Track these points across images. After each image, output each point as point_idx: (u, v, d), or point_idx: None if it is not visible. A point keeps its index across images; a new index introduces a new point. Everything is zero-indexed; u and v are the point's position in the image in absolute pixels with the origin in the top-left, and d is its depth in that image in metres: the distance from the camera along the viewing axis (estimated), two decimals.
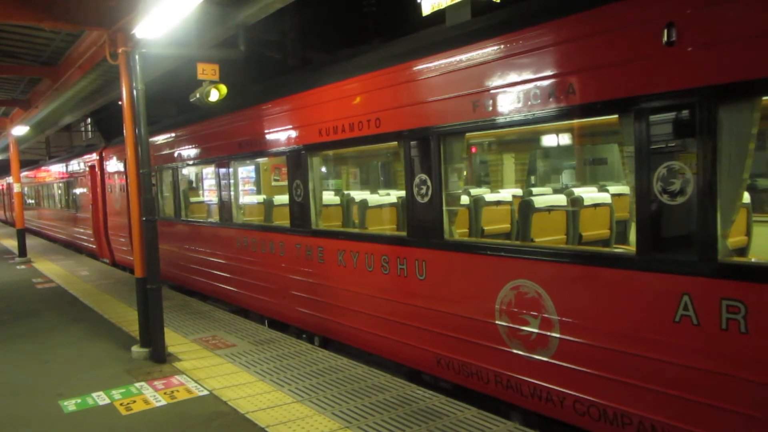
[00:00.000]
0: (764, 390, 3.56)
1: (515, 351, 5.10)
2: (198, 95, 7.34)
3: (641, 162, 4.11)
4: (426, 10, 7.21)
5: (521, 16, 5.02)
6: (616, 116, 4.35)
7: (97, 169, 16.24)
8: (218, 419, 5.23)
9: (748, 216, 5.98)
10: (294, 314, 8.19)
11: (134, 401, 5.74)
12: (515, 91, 4.92)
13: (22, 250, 17.16)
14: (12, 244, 21.61)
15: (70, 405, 5.71)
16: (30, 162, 31.24)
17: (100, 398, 5.85)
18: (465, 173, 8.54)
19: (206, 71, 7.18)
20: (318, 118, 7.21)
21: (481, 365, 5.45)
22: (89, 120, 36.97)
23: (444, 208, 5.75)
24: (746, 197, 5.76)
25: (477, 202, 6.92)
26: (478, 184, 10.75)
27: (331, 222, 8.64)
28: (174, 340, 7.85)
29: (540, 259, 4.90)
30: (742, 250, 5.99)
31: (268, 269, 8.66)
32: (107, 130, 28.60)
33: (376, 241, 6.73)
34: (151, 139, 11.08)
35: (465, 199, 6.77)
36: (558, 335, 4.73)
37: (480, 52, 5.23)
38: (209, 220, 10.80)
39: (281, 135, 7.97)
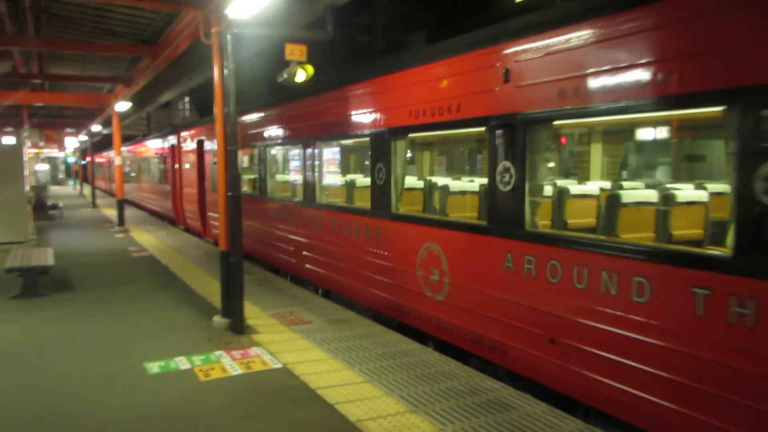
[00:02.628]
0: (546, 316, 5.26)
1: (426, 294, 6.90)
2: (285, 75, 7.51)
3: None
4: None
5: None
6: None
7: (174, 148, 18.29)
8: (289, 392, 5.40)
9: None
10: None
11: (212, 368, 6.02)
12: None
13: (121, 220, 18.27)
14: (111, 213, 23.07)
15: (154, 367, 6.06)
16: (130, 137, 33.09)
17: (182, 363, 6.18)
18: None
19: (294, 52, 7.33)
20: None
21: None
22: (187, 98, 38.72)
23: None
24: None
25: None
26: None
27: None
28: (253, 313, 8.15)
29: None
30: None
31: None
32: (203, 108, 29.93)
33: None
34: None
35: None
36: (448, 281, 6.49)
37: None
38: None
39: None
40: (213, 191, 14.29)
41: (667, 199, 6.06)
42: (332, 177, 11.39)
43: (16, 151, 14.35)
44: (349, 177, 10.82)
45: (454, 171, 13.08)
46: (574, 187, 6.96)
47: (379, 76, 7.73)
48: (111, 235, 17.12)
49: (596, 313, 4.86)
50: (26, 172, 14.87)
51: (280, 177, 12.23)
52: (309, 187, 9.89)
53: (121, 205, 18.31)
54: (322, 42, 7.72)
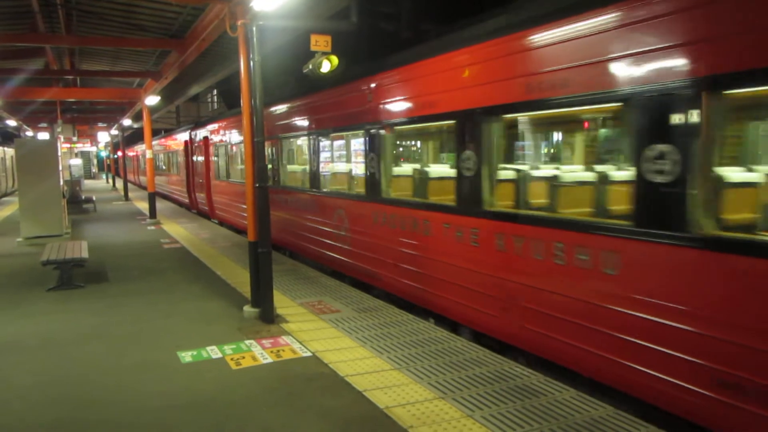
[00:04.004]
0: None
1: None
2: (311, 66, 7.57)
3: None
4: None
5: None
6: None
7: (187, 144, 21.76)
8: (318, 380, 5.49)
9: None
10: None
11: (243, 357, 6.14)
12: None
13: (153, 212, 18.62)
14: (143, 206, 23.53)
15: (187, 356, 6.20)
16: (157, 132, 33.62)
17: (213, 352, 6.31)
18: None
19: (319, 42, 7.38)
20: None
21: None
22: (215, 91, 39.15)
23: None
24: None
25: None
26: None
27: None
28: (283, 303, 8.27)
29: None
30: None
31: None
32: (231, 100, 30.30)
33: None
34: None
35: None
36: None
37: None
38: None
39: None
40: (216, 179, 17.96)
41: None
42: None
43: (51, 146, 14.70)
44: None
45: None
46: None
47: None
48: (143, 228, 17.46)
49: (519, 271, 5.96)
50: (60, 167, 15.21)
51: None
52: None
53: (153, 197, 18.65)
54: (349, 32, 7.74)
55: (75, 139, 34.29)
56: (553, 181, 6.53)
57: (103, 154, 59.21)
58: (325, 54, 7.49)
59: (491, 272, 6.38)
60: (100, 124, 33.97)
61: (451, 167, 7.25)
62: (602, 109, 5.74)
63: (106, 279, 10.27)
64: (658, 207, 4.53)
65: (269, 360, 6.06)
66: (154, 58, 13.56)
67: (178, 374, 5.76)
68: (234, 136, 15.54)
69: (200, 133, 19.61)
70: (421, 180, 8.41)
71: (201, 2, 7.72)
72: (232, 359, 6.09)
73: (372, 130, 8.55)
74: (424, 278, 7.59)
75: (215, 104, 42.99)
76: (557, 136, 8.38)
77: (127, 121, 26.88)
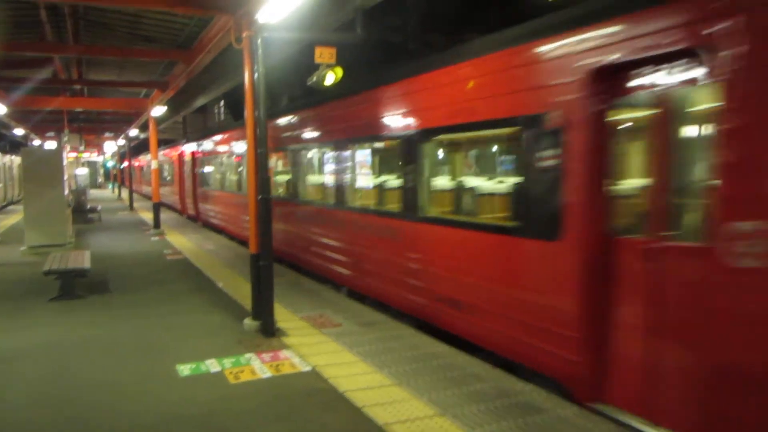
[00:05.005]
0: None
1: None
2: (315, 78, 7.59)
3: None
4: None
5: None
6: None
7: (180, 156, 25.43)
8: (317, 395, 5.44)
9: None
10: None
11: (242, 371, 6.11)
12: None
13: (157, 223, 18.65)
14: (148, 216, 23.56)
15: (186, 369, 6.17)
16: (167, 142, 33.81)
17: (212, 365, 6.28)
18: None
19: (323, 54, 7.40)
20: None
21: None
22: (222, 102, 39.37)
23: None
24: None
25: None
26: None
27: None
28: (284, 316, 8.24)
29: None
30: None
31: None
32: (237, 111, 30.53)
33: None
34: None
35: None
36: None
37: None
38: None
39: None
40: (200, 187, 21.22)
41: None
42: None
43: (57, 155, 14.78)
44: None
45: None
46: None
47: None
48: (147, 238, 17.49)
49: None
50: (65, 177, 15.28)
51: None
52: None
53: (157, 208, 18.70)
54: (356, 44, 7.77)
55: (82, 148, 34.45)
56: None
57: (110, 164, 59.57)
58: (329, 66, 7.51)
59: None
60: (107, 134, 34.20)
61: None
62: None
63: (108, 290, 10.27)
64: (408, 201, 7.68)
65: (268, 374, 6.02)
66: (161, 69, 13.66)
67: (175, 388, 5.72)
68: (212, 151, 18.97)
69: (188, 147, 23.40)
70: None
71: (206, 14, 7.77)
72: (231, 373, 6.06)
73: (331, 148, 10.04)
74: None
75: (222, 115, 43.22)
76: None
77: (133, 131, 27.03)
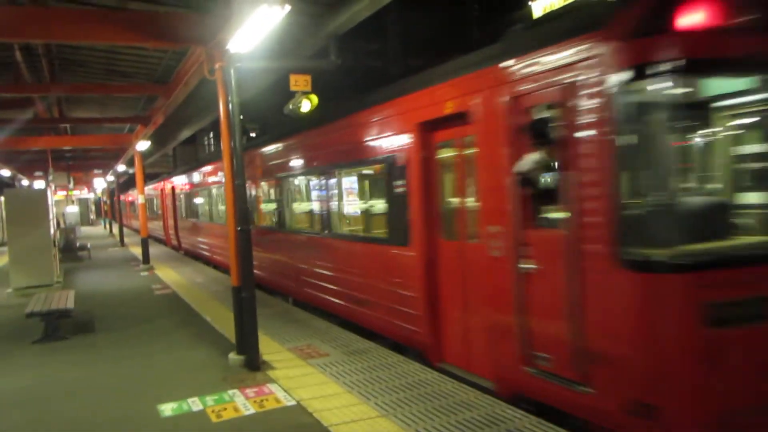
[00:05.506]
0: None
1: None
2: (291, 106, 7.52)
3: None
4: (537, 12, 7.01)
5: None
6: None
7: (162, 191, 27.44)
8: (301, 431, 5.27)
9: None
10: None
11: (225, 408, 5.92)
12: None
13: (146, 258, 18.45)
14: (138, 251, 23.33)
15: (167, 410, 5.99)
16: (155, 175, 33.73)
17: (195, 404, 6.09)
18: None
19: (299, 82, 7.35)
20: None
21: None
22: (211, 134, 39.38)
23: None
24: None
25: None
26: None
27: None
28: (270, 348, 8.06)
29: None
30: None
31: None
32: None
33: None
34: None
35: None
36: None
37: None
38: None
39: None
40: (180, 218, 23.47)
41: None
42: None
43: (41, 195, 14.65)
44: None
45: None
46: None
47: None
48: (136, 274, 17.30)
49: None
50: (51, 215, 15.13)
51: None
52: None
53: (146, 243, 18.52)
54: (336, 72, 7.72)
55: (71, 186, 34.31)
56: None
57: (105, 200, 59.43)
58: (305, 93, 7.45)
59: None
60: (96, 171, 34.10)
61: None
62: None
63: (93, 329, 10.07)
64: (324, 222, 9.84)
65: (252, 411, 5.84)
66: (142, 104, 13.61)
67: (156, 429, 5.54)
68: (186, 183, 21.48)
69: (168, 183, 26.06)
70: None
71: (178, 47, 7.74)
72: (213, 411, 5.87)
73: (273, 182, 12.12)
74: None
75: (212, 146, 43.17)
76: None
77: (121, 167, 26.92)
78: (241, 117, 7.07)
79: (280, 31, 6.76)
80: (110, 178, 32.72)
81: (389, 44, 14.77)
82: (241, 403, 6.06)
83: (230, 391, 6.41)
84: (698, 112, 5.08)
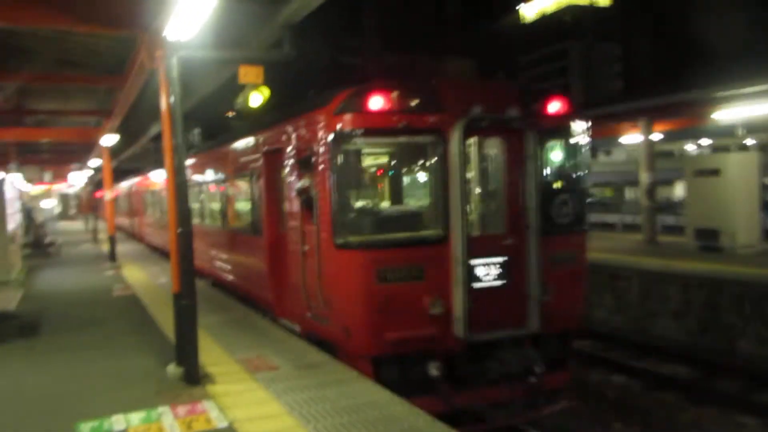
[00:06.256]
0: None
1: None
2: (240, 100, 6.97)
3: None
4: (530, 15, 6.55)
5: None
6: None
7: (129, 187, 30.03)
8: None
9: None
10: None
11: (149, 429, 5.38)
12: None
13: (113, 255, 17.81)
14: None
15: (85, 429, 5.44)
16: (136, 170, 33.08)
17: (117, 423, 5.55)
18: None
19: (249, 74, 6.82)
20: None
21: None
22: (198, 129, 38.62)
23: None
24: None
25: None
26: None
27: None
28: (216, 359, 7.53)
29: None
30: None
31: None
32: (209, 135, 30.21)
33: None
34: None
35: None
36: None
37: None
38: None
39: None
40: (143, 215, 25.52)
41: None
42: None
43: None
44: None
45: None
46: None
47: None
48: (101, 272, 16.65)
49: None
50: (12, 210, 14.43)
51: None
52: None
53: (113, 240, 17.88)
54: (282, 62, 7.20)
55: (48, 180, 33.49)
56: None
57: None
58: (256, 86, 6.90)
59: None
60: (73, 165, 33.27)
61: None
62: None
63: (38, 333, 9.49)
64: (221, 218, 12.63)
65: None
66: (102, 95, 12.98)
67: None
68: (147, 183, 23.91)
69: (136, 180, 28.14)
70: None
71: (112, 31, 7.17)
72: None
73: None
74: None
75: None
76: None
77: (95, 162, 26.18)
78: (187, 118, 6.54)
79: (227, 20, 6.23)
80: (88, 172, 31.95)
81: (365, 40, 14.27)
82: (168, 423, 5.51)
83: (160, 408, 5.86)
84: (373, 156, 8.53)
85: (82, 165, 30.78)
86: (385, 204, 8.10)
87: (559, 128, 7.70)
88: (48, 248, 22.44)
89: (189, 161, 14.62)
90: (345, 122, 6.84)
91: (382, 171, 8.73)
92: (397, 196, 8.46)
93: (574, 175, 8.05)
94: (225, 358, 7.61)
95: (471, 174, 7.65)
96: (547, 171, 7.90)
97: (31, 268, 17.74)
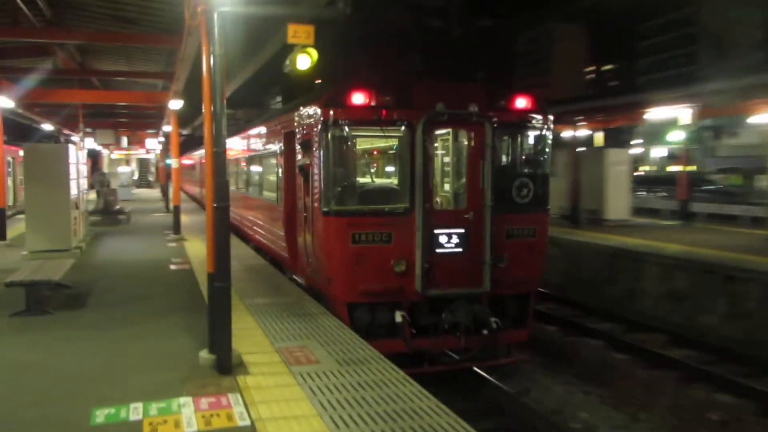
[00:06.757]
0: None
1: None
2: (288, 63, 6.75)
3: None
4: None
5: None
6: None
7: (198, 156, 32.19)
8: None
9: None
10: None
11: (165, 421, 5.32)
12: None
13: (177, 227, 18.35)
14: (184, 218, 23.48)
15: (101, 416, 5.44)
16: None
17: (135, 412, 5.52)
18: None
19: (298, 33, 6.56)
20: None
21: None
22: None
23: None
24: None
25: None
26: None
27: None
28: (256, 346, 7.45)
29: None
30: None
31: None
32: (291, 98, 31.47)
33: None
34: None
35: None
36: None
37: None
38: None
39: None
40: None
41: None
42: None
43: (61, 152, 14.59)
44: None
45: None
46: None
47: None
48: (163, 244, 17.19)
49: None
50: (76, 174, 15.06)
51: None
52: None
53: (177, 211, 18.39)
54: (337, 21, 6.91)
55: (124, 145, 35.07)
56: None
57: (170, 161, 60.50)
58: (304, 47, 6.65)
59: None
60: (149, 131, 34.66)
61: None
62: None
63: (84, 305, 9.79)
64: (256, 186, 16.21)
65: (194, 429, 5.20)
66: (165, 57, 13.20)
67: None
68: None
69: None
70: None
71: None
72: (150, 424, 5.27)
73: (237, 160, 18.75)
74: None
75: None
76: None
77: (168, 128, 27.06)
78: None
79: None
80: (162, 139, 33.20)
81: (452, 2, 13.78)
82: (187, 416, 5.43)
83: (182, 399, 5.80)
84: (356, 142, 9.59)
85: (158, 131, 31.99)
86: (364, 181, 9.83)
87: (522, 122, 9.82)
88: (118, 216, 23.49)
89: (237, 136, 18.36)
90: (331, 114, 9.00)
91: (363, 154, 10.50)
92: (374, 175, 10.84)
93: (534, 162, 10.15)
94: (265, 346, 7.52)
95: (448, 159, 10.18)
96: (509, 158, 10.08)
97: (96, 236, 18.59)
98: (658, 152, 70.38)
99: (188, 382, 6.28)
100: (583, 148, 24.63)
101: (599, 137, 27.63)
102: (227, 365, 6.53)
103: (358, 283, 9.03)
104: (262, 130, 14.46)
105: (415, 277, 9.04)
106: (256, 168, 15.77)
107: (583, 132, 25.59)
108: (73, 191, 14.96)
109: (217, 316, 6.54)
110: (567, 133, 24.61)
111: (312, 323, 8.65)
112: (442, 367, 9.46)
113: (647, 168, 67.85)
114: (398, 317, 9.09)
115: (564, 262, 17.87)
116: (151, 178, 59.15)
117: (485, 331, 9.24)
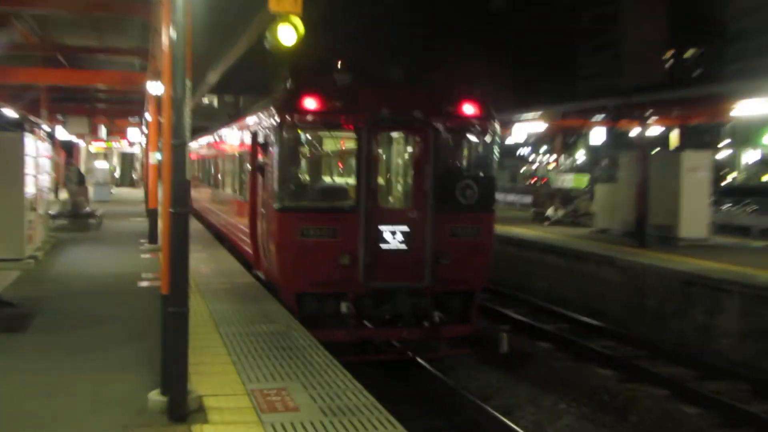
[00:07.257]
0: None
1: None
2: (268, 36, 6.55)
3: None
4: None
5: None
6: None
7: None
8: None
9: None
10: None
11: None
12: None
13: (153, 236, 18.25)
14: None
15: None
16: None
17: None
18: None
19: (283, 1, 6.36)
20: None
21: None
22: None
23: None
24: None
25: None
26: None
27: None
28: (225, 387, 7.23)
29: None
30: None
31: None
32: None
33: None
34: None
35: None
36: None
37: None
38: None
39: None
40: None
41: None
42: None
43: (14, 143, 14.51)
44: None
45: None
46: None
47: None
48: (136, 255, 17.20)
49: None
50: (31, 170, 14.98)
51: None
52: None
53: (154, 215, 18.26)
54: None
55: (102, 135, 35.33)
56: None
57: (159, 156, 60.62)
58: (288, 17, 6.44)
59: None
60: (130, 119, 34.79)
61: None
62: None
63: (25, 327, 9.77)
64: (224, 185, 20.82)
65: None
66: (139, 30, 13.12)
67: None
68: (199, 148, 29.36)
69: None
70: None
71: None
72: None
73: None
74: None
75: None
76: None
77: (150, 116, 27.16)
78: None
79: None
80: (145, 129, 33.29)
81: None
82: None
83: None
84: (309, 144, 12.96)
85: (141, 119, 32.15)
86: (314, 180, 12.76)
87: (467, 126, 12.26)
88: (87, 220, 23.56)
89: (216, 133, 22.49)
90: (284, 117, 11.58)
91: (314, 155, 13.37)
92: (324, 174, 14.17)
93: (479, 165, 12.61)
94: (236, 387, 7.30)
95: (399, 161, 12.91)
96: (454, 161, 12.60)
97: (57, 243, 18.59)
98: (750, 156, 69.23)
99: (129, 430, 6.07)
100: (656, 149, 24.11)
101: (674, 137, 27.14)
102: (181, 411, 6.29)
103: (307, 274, 11.54)
104: (237, 127, 17.54)
105: (359, 270, 11.28)
106: (231, 166, 18.80)
107: (654, 130, 25.13)
108: (30, 190, 14.90)
109: (170, 350, 6.33)
110: (634, 131, 24.20)
111: (298, 359, 8.42)
112: (381, 355, 12.23)
113: (735, 175, 66.75)
114: (344, 308, 11.44)
115: (624, 290, 17.44)
116: (135, 176, 59.57)
117: (426, 324, 11.60)
